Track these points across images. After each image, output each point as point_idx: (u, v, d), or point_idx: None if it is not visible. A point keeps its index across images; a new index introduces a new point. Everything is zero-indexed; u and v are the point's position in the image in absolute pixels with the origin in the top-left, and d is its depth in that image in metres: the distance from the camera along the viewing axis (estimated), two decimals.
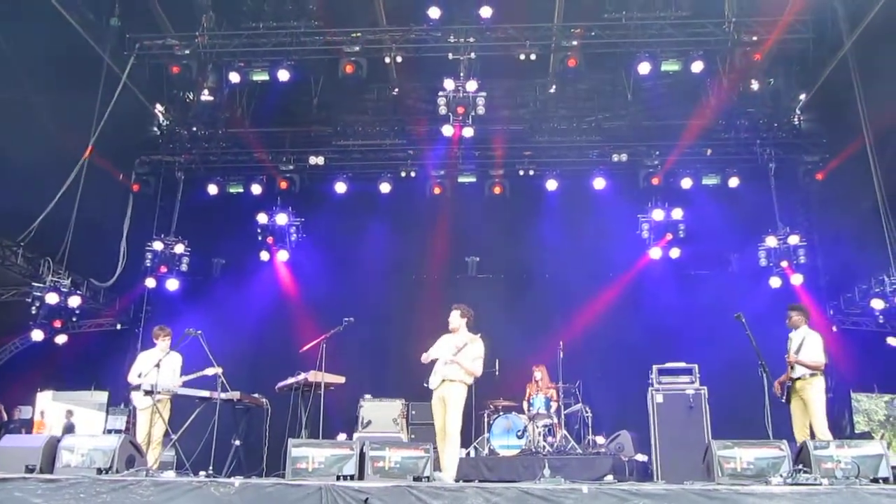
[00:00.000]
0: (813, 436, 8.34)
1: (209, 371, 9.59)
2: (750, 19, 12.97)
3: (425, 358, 8.33)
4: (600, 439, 11.67)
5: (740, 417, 10.22)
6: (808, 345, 8.75)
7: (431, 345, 8.42)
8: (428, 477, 7.20)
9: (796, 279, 13.82)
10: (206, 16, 13.15)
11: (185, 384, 9.85)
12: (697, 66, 13.15)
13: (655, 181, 15.01)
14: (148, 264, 14.63)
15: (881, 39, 11.47)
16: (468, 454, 11.19)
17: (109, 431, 13.11)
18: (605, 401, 12.97)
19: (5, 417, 14.64)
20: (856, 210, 12.62)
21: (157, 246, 14.69)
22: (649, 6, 13.19)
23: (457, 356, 8.15)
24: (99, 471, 7.31)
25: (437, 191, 15.51)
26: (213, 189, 15.46)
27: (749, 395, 9.02)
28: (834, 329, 13.77)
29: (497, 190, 15.47)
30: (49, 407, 15.61)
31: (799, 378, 8.70)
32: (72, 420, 15.31)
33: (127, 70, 13.15)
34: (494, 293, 14.93)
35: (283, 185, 15.54)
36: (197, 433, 9.40)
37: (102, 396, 14.77)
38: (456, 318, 8.44)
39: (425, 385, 8.43)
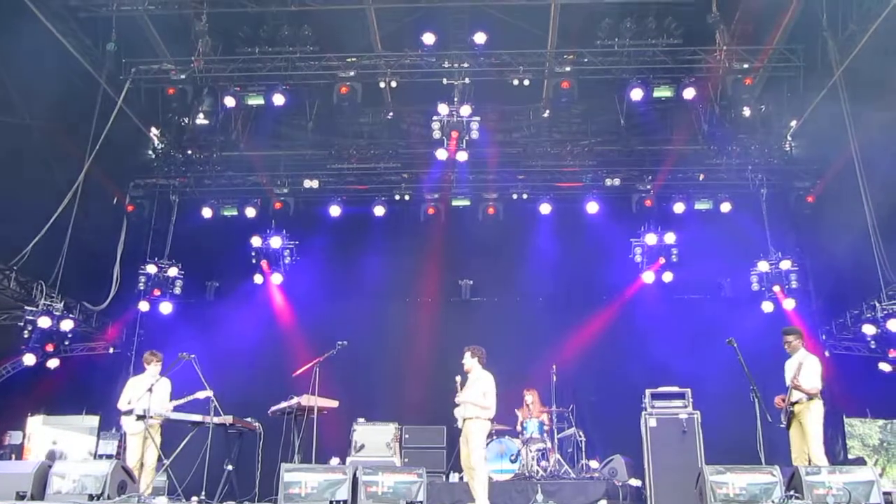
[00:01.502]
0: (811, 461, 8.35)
1: (200, 395, 9.57)
2: (741, 48, 13.11)
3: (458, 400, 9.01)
4: (594, 464, 11.64)
5: (733, 442, 10.18)
6: (805, 369, 8.74)
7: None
8: (421, 502, 7.18)
9: (788, 304, 13.89)
10: (203, 41, 13.19)
11: (177, 408, 9.80)
12: (689, 93, 13.25)
13: (648, 203, 15.11)
14: (141, 287, 14.62)
15: (870, 68, 11.62)
16: (461, 478, 11.15)
17: (100, 456, 12.99)
18: (599, 425, 12.96)
19: None
20: (847, 235, 12.68)
21: (151, 269, 14.66)
22: (641, 34, 13.28)
23: (465, 396, 8.79)
24: (91, 497, 7.28)
25: (430, 213, 15.56)
26: (207, 212, 15.47)
27: (742, 419, 8.99)
28: (826, 354, 13.80)
29: (491, 213, 15.55)
30: (37, 431, 15.43)
31: (797, 402, 8.71)
32: (54, 448, 15.00)
33: (123, 94, 13.18)
34: (487, 317, 14.95)
35: (278, 207, 15.60)
36: (189, 458, 9.35)
37: (93, 421, 14.62)
38: (468, 360, 9.02)
39: (455, 426, 9.09)
